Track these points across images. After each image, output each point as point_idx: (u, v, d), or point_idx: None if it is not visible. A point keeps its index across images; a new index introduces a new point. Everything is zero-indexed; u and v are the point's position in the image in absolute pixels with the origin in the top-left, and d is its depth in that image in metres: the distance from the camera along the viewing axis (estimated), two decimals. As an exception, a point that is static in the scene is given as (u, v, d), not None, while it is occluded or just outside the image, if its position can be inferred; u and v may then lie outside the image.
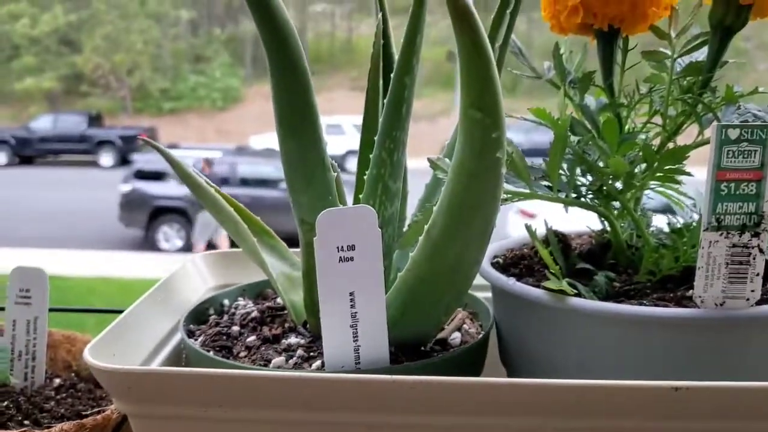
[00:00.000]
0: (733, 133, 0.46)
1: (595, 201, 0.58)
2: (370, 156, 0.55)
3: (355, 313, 0.50)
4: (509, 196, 0.56)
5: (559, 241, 0.59)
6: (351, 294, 0.49)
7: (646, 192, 0.60)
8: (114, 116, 14.75)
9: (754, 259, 0.48)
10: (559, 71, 0.61)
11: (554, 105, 0.60)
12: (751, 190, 0.47)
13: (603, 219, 0.59)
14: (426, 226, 0.49)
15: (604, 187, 0.57)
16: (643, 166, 0.56)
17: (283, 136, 0.51)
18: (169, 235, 6.80)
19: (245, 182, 6.73)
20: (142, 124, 13.46)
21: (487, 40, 0.41)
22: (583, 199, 0.58)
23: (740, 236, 0.47)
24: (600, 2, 0.57)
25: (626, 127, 0.60)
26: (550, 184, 0.56)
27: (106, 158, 11.42)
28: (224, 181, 6.74)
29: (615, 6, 0.57)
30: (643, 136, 0.59)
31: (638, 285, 0.55)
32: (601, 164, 0.57)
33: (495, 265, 0.61)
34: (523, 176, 0.56)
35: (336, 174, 0.54)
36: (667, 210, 0.64)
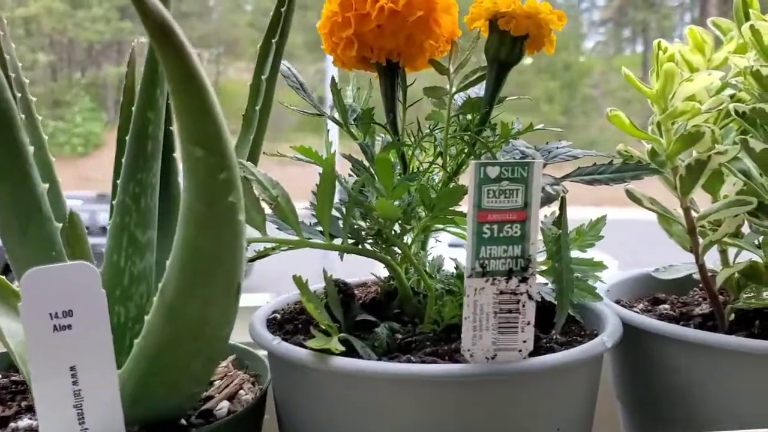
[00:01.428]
0: (493, 172, 0.43)
1: (376, 247, 0.53)
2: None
3: (79, 390, 0.42)
4: (275, 244, 0.50)
5: (340, 291, 0.54)
6: (72, 369, 0.41)
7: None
8: (-37, 164, 13.70)
9: (523, 306, 0.44)
10: (339, 107, 0.56)
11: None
12: (516, 232, 0.43)
13: (387, 266, 0.55)
14: (160, 285, 0.42)
15: (383, 232, 0.52)
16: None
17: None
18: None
19: (106, 231, 6.35)
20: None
21: (197, 62, 0.35)
22: (362, 245, 0.53)
23: (507, 282, 0.44)
24: (374, 35, 0.54)
25: (412, 166, 0.57)
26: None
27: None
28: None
29: (390, 39, 0.54)
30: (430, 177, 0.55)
31: (421, 336, 0.51)
32: (379, 207, 0.52)
33: (271, 321, 0.55)
34: (289, 221, 0.50)
35: (62, 225, 0.46)
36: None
